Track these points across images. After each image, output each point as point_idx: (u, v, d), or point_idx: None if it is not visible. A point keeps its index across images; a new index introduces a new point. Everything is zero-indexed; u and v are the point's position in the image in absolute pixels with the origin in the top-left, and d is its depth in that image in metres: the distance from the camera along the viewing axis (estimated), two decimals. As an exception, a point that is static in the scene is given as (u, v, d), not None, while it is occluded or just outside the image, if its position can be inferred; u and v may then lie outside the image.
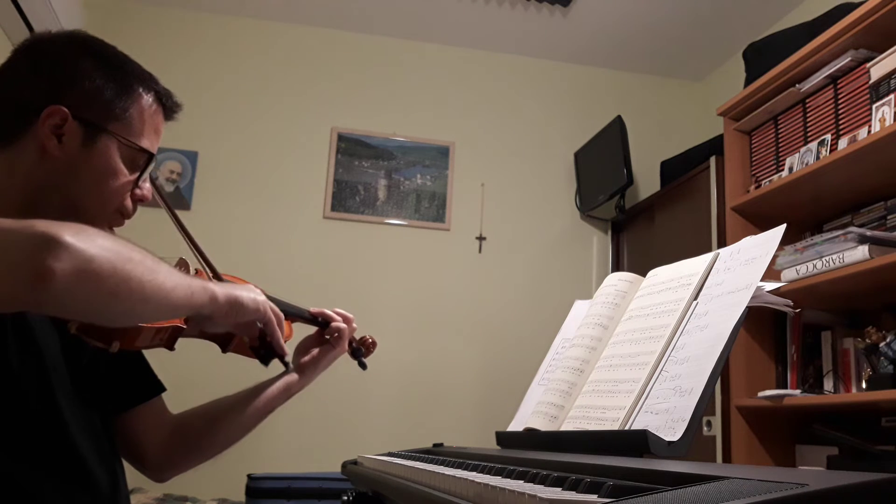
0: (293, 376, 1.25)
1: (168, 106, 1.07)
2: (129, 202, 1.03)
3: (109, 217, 1.02)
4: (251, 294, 0.99)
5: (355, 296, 3.23)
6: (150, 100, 1.04)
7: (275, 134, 3.40)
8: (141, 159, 1.02)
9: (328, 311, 1.27)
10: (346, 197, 3.40)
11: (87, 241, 0.74)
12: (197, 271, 1.14)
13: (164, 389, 1.20)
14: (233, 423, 1.20)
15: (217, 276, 1.15)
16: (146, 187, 1.05)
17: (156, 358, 1.16)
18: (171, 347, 1.05)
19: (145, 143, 1.02)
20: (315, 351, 1.28)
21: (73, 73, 0.98)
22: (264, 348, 1.04)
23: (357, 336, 1.35)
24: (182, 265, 1.14)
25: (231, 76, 3.41)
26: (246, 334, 1.02)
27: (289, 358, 1.05)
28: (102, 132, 0.98)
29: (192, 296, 0.88)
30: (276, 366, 1.22)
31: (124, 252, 0.78)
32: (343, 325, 1.27)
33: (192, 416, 1.22)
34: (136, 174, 1.02)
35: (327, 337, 1.28)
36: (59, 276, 0.70)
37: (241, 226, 3.26)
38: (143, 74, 1.05)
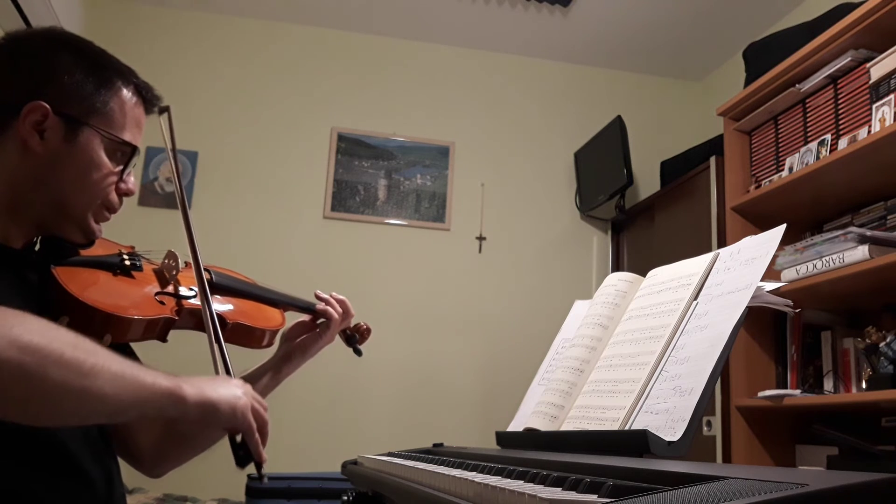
0: (281, 364, 1.28)
1: (148, 99, 1.07)
2: (114, 196, 1.03)
3: (95, 212, 1.02)
4: (230, 395, 0.88)
5: (355, 296, 3.15)
6: (130, 93, 1.04)
7: (275, 134, 3.40)
8: (124, 152, 1.02)
9: (326, 297, 1.30)
10: (346, 197, 3.40)
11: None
12: (186, 264, 1.14)
13: None
14: None
15: (207, 272, 1.15)
16: (131, 181, 1.05)
17: (149, 351, 1.16)
18: (163, 339, 1.05)
19: (127, 136, 1.02)
20: (304, 337, 1.29)
21: (52, 68, 0.98)
22: (242, 450, 0.90)
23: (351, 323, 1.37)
24: (171, 257, 1.14)
25: (231, 76, 3.41)
26: (222, 434, 0.93)
27: (265, 470, 0.91)
28: (84, 126, 0.98)
29: (142, 393, 0.80)
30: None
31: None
32: (335, 316, 1.29)
33: None
34: (121, 168, 1.02)
35: (318, 322, 1.29)
36: None
37: (242, 226, 3.26)
38: (121, 68, 1.05)
